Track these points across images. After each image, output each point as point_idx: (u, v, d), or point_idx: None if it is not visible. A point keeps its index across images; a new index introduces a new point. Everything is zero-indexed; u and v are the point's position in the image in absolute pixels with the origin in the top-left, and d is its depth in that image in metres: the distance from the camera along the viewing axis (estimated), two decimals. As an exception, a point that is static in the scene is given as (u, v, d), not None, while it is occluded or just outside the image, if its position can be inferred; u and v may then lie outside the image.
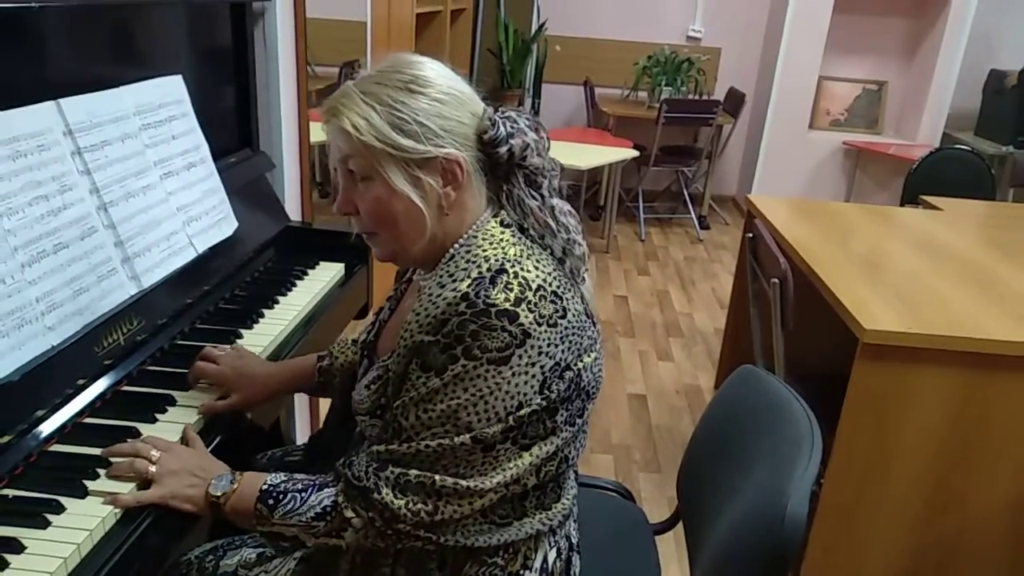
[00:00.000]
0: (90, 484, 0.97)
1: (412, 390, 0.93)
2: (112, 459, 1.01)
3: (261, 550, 1.13)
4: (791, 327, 1.82)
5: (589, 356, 0.99)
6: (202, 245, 1.39)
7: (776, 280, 1.79)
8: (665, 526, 1.44)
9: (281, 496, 0.98)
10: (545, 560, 1.08)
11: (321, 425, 1.33)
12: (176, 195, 1.36)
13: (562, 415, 0.96)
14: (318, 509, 0.96)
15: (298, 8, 1.85)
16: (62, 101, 1.13)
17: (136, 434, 1.08)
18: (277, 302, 1.54)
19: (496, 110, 0.99)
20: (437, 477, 0.92)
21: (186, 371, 1.23)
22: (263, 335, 1.41)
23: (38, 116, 1.09)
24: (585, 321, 0.99)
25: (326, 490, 0.98)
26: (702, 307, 3.80)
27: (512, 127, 0.97)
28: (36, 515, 0.91)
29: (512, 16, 4.90)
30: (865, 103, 5.26)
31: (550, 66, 5.01)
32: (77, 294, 1.09)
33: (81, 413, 1.10)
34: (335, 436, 1.28)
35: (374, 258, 1.88)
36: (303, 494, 0.98)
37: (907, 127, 5.15)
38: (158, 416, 1.13)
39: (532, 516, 1.03)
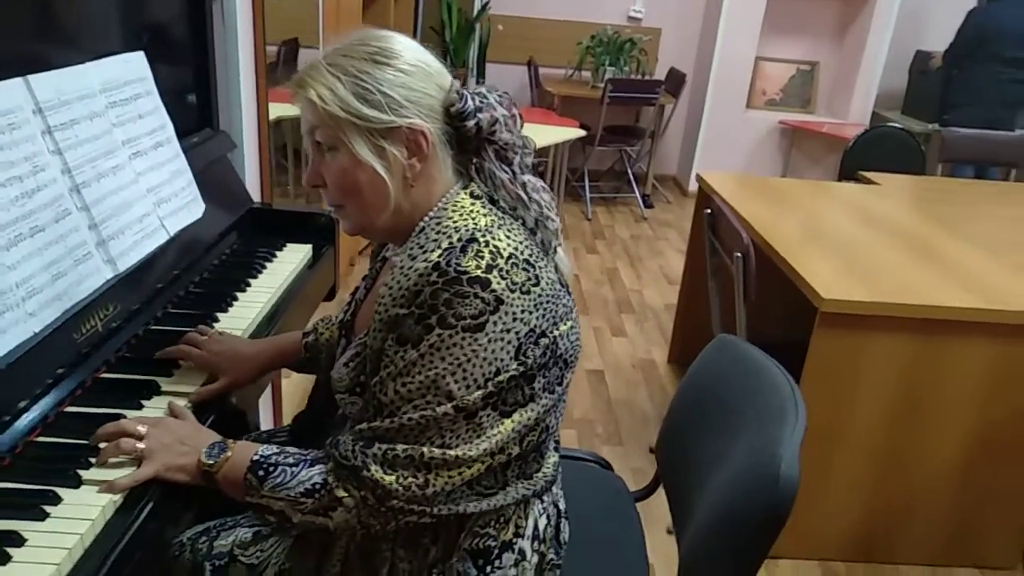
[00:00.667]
0: (84, 473, 0.94)
1: (390, 365, 0.93)
2: (100, 445, 0.99)
3: (256, 528, 1.12)
4: (753, 299, 1.88)
5: (565, 324, 1.00)
6: (173, 227, 1.35)
7: (739, 254, 1.85)
8: (644, 493, 1.48)
9: (271, 468, 0.97)
10: (536, 527, 1.10)
11: (305, 405, 1.32)
12: (145, 176, 1.31)
13: (539, 382, 0.97)
14: (307, 485, 0.96)
15: (256, -12, 1.80)
16: (31, 78, 1.08)
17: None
18: (249, 285, 1.51)
19: (463, 83, 0.99)
20: (424, 449, 0.92)
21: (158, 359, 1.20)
22: (239, 318, 1.39)
23: (7, 93, 1.04)
24: (559, 290, 1.00)
25: (317, 467, 0.97)
26: (651, 283, 3.88)
27: (481, 101, 0.97)
28: (33, 507, 0.88)
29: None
30: (799, 83, 5.42)
31: (493, 46, 5.00)
32: (55, 279, 1.05)
33: (62, 402, 1.07)
34: (320, 414, 1.28)
35: (341, 239, 1.88)
36: (293, 468, 0.97)
37: (838, 106, 5.33)
38: (144, 403, 1.10)
39: (514, 485, 1.04)
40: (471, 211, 0.97)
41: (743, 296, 1.89)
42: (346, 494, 0.94)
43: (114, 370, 1.17)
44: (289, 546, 1.09)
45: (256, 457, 0.98)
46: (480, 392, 0.91)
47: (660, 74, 5.22)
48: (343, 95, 0.92)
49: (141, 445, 0.97)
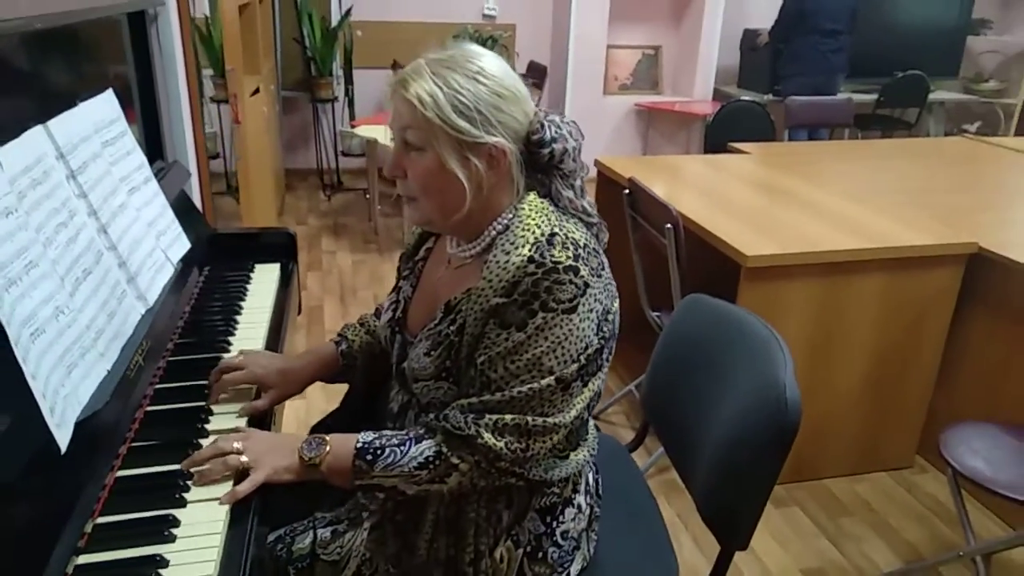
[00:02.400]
0: (187, 495, 0.99)
1: (494, 347, 1.04)
2: (195, 469, 1.03)
3: (333, 527, 1.19)
4: (686, 265, 2.11)
5: (616, 303, 1.15)
6: (175, 258, 1.37)
7: (670, 225, 2.06)
8: (634, 445, 1.66)
9: (379, 451, 1.06)
10: (588, 482, 1.25)
11: (340, 405, 1.40)
12: (143, 211, 1.32)
13: (605, 353, 1.12)
14: (420, 459, 1.06)
15: (183, 11, 1.80)
16: (50, 124, 1.09)
17: (198, 446, 1.09)
18: (242, 309, 1.54)
19: (545, 114, 1.10)
20: (528, 418, 1.05)
21: (196, 383, 1.24)
22: (250, 340, 1.43)
23: (34, 141, 1.04)
24: (611, 275, 1.16)
25: (425, 442, 1.07)
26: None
27: (556, 132, 1.09)
28: (159, 532, 0.92)
29: (312, 5, 4.82)
30: (645, 67, 5.82)
31: (356, 52, 5.00)
32: (110, 318, 1.07)
33: (124, 438, 1.09)
34: (355, 414, 1.36)
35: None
36: (401, 448, 1.07)
37: (683, 85, 5.78)
38: (206, 426, 1.14)
39: (579, 449, 1.19)
40: (543, 209, 1.09)
41: (677, 262, 2.11)
42: (460, 460, 1.05)
43: (155, 403, 1.19)
44: (366, 537, 1.17)
45: (360, 444, 1.06)
46: (575, 366, 1.04)
47: (521, 68, 5.43)
48: (442, 104, 1.01)
49: (245, 458, 1.02)
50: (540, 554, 1.17)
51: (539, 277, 1.02)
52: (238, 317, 1.50)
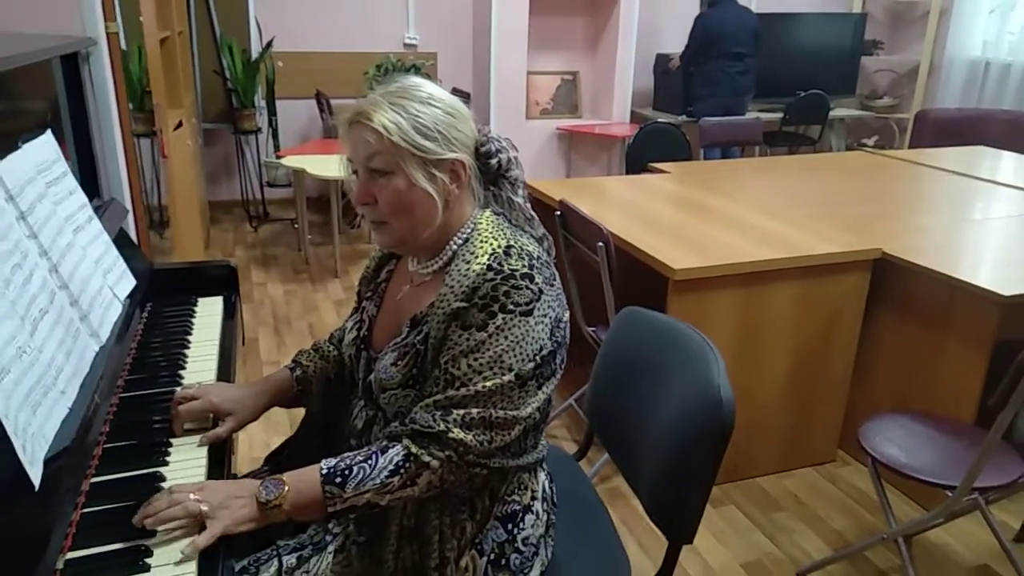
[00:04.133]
0: (152, 547, 0.98)
1: (456, 347, 1.11)
2: (147, 522, 1.01)
3: (297, 554, 1.21)
4: (618, 281, 2.21)
5: (567, 313, 1.23)
6: (122, 295, 1.38)
7: (601, 244, 2.16)
8: (580, 455, 1.74)
9: (347, 472, 1.10)
10: (544, 490, 1.32)
11: (295, 433, 1.42)
12: (88, 249, 1.33)
13: (558, 358, 1.20)
14: (391, 467, 1.10)
15: (113, 50, 1.80)
16: (0, 165, 1.10)
17: (162, 478, 1.11)
18: (189, 343, 1.55)
19: (486, 129, 1.19)
20: (492, 411, 1.11)
21: (154, 418, 1.25)
22: (201, 372, 1.44)
23: (-14, 185, 1.05)
24: (561, 286, 1.24)
25: (391, 450, 1.11)
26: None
27: (498, 144, 1.19)
28: (134, 563, 0.93)
29: (231, 37, 4.80)
30: (564, 92, 5.99)
31: (278, 83, 4.99)
32: (68, 356, 1.08)
33: (85, 474, 1.09)
34: (314, 440, 1.39)
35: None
36: (368, 462, 1.11)
37: (601, 109, 5.97)
38: (167, 459, 1.16)
39: (529, 452, 1.25)
40: (499, 225, 1.18)
41: (609, 278, 2.20)
42: (431, 458, 1.10)
43: (112, 439, 1.20)
44: (332, 560, 1.20)
45: (325, 471, 1.10)
46: (531, 364, 1.11)
47: (444, 95, 5.51)
48: (405, 128, 1.09)
49: (204, 507, 1.03)
50: (503, 561, 1.23)
51: (498, 282, 1.10)
52: (186, 351, 1.51)
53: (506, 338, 1.10)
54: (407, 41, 5.51)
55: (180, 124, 3.61)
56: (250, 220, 5.11)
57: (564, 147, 5.83)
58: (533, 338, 1.12)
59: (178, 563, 0.96)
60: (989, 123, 5.15)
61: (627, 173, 4.20)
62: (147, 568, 0.94)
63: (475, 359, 1.11)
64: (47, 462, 0.94)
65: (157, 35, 3.10)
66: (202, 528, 1.02)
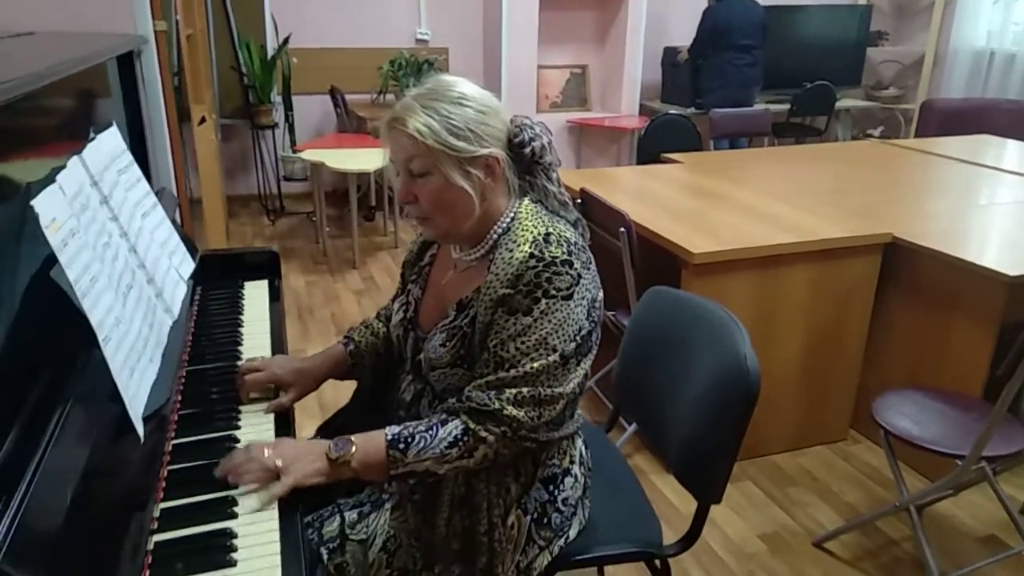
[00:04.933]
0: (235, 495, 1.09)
1: (504, 331, 1.19)
2: (227, 473, 1.13)
3: (358, 510, 1.31)
4: (639, 265, 2.30)
5: (601, 293, 1.32)
6: (185, 276, 1.47)
7: (623, 229, 2.25)
8: (608, 427, 1.83)
9: (410, 439, 1.19)
10: (581, 454, 1.41)
11: (348, 403, 1.52)
12: (155, 233, 1.42)
13: (594, 336, 1.29)
14: (449, 439, 1.19)
15: (160, 47, 1.90)
16: (84, 154, 1.19)
17: (235, 440, 1.21)
18: (243, 322, 1.64)
19: (519, 119, 1.27)
20: (541, 389, 1.20)
21: (219, 389, 1.35)
22: (258, 348, 1.53)
23: (74, 173, 1.14)
24: (596, 269, 1.32)
25: (451, 423, 1.20)
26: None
27: (531, 132, 1.26)
28: (223, 510, 1.03)
29: (248, 34, 4.89)
30: (574, 85, 6.07)
31: (294, 79, 5.08)
32: (151, 328, 1.18)
33: (166, 437, 1.19)
34: (366, 405, 1.49)
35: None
36: (429, 432, 1.20)
37: (610, 102, 6.05)
38: (239, 424, 1.25)
39: (568, 422, 1.35)
40: (537, 213, 1.26)
41: (631, 263, 2.30)
42: (488, 433, 1.19)
43: (186, 407, 1.29)
44: (389, 516, 1.30)
45: (390, 437, 1.19)
46: (573, 344, 1.20)
47: (456, 89, 5.60)
48: (438, 131, 1.16)
49: (278, 462, 1.13)
50: (545, 520, 1.32)
51: (540, 270, 1.18)
52: (241, 329, 1.60)
53: (550, 321, 1.18)
54: (419, 36, 5.60)
55: (203, 120, 3.71)
56: (268, 214, 5.21)
57: (574, 140, 5.91)
58: (574, 320, 1.20)
59: (258, 511, 1.05)
60: (994, 112, 5.23)
61: (639, 164, 4.28)
62: (234, 515, 1.03)
63: (522, 342, 1.19)
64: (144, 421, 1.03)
65: (184, 32, 3.19)
66: (277, 480, 1.12)
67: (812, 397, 2.57)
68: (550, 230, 1.23)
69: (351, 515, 1.30)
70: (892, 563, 2.09)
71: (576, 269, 1.21)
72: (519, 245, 1.21)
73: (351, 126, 5.21)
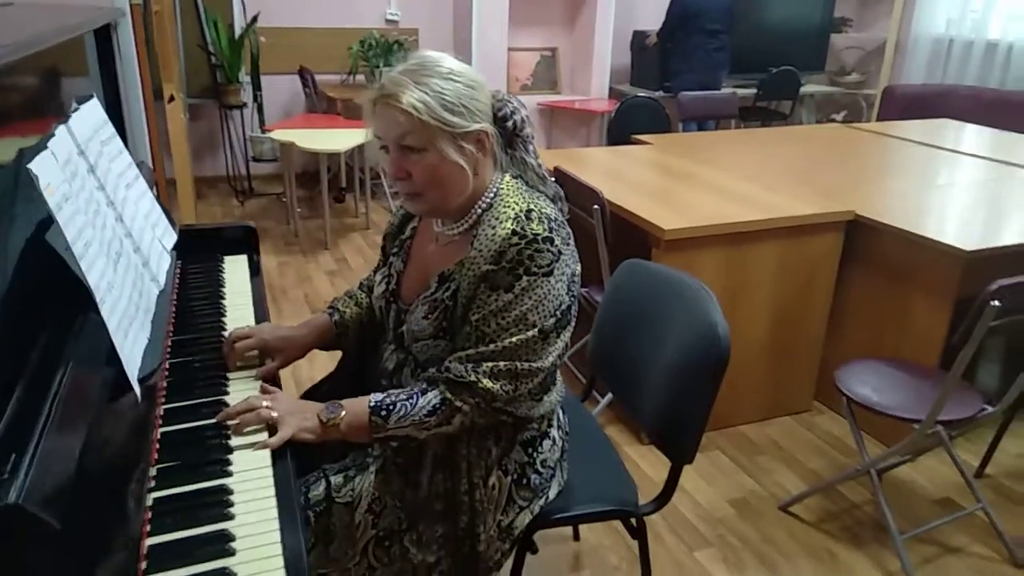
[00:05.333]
0: (229, 443, 1.13)
1: (485, 306, 1.23)
2: (229, 421, 1.17)
3: (343, 473, 1.34)
4: (611, 240, 2.35)
5: (579, 267, 1.36)
6: (168, 247, 1.49)
7: (597, 206, 2.30)
8: (584, 396, 1.89)
9: (391, 407, 1.23)
10: (559, 419, 1.46)
11: (332, 371, 1.55)
12: (138, 204, 1.43)
13: (572, 310, 1.33)
14: (428, 408, 1.23)
15: (136, 20, 1.89)
16: (70, 123, 1.20)
17: (225, 404, 1.23)
18: (225, 294, 1.66)
19: (499, 93, 1.30)
20: (518, 364, 1.24)
21: (206, 357, 1.37)
22: (242, 320, 1.55)
23: (65, 139, 1.15)
24: (574, 243, 1.36)
25: (430, 393, 1.25)
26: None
27: (511, 106, 1.30)
28: (218, 470, 1.06)
29: (216, 12, 4.83)
30: (544, 68, 6.10)
31: (262, 58, 5.03)
32: (141, 296, 1.19)
33: (155, 401, 1.21)
34: (351, 375, 1.52)
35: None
36: (410, 401, 1.24)
37: (580, 84, 6.09)
38: (227, 389, 1.28)
39: (551, 391, 1.39)
40: (518, 189, 1.29)
41: (604, 239, 2.35)
42: (463, 403, 1.23)
43: (174, 374, 1.32)
44: (374, 479, 1.34)
45: (373, 404, 1.23)
46: (553, 320, 1.24)
47: (426, 71, 5.59)
48: (433, 106, 1.17)
49: (274, 414, 1.17)
50: (525, 480, 1.37)
51: (522, 247, 1.22)
52: (223, 301, 1.62)
53: (530, 298, 1.22)
54: (389, 17, 5.57)
55: (172, 98, 3.67)
56: (236, 195, 5.17)
57: (545, 122, 5.94)
58: (553, 296, 1.24)
59: (251, 470, 1.09)
60: (952, 98, 5.38)
61: (609, 145, 4.33)
62: (229, 474, 1.06)
63: (503, 318, 1.23)
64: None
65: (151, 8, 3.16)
66: (272, 432, 1.16)
67: (778, 369, 2.65)
68: (531, 207, 1.26)
69: (336, 479, 1.34)
70: (854, 525, 2.19)
71: (557, 246, 1.24)
72: (501, 222, 1.24)
73: (321, 106, 5.18)
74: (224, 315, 1.56)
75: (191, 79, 5.00)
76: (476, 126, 1.23)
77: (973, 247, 2.20)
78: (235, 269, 1.81)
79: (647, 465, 2.39)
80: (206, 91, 5.03)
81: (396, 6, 5.57)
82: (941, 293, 2.31)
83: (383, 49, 5.06)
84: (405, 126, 1.20)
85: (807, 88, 6.12)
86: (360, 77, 5.26)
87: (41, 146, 1.03)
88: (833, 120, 6.43)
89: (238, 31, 4.93)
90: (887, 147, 3.68)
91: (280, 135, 4.28)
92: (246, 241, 1.95)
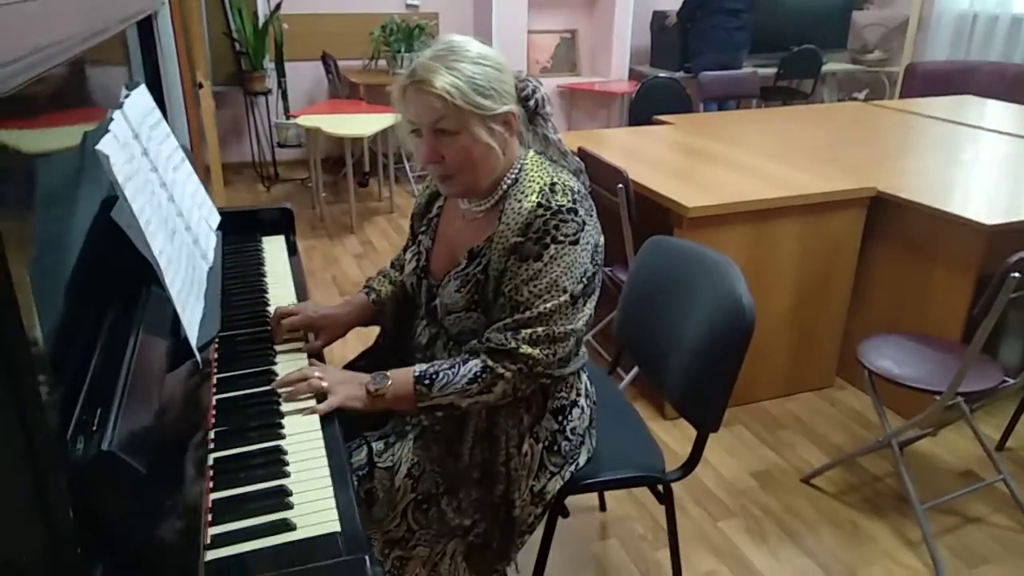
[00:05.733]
0: (283, 409, 1.20)
1: (517, 276, 1.29)
2: (282, 389, 1.24)
3: (384, 440, 1.41)
4: (636, 219, 2.40)
5: (602, 238, 1.41)
6: (214, 227, 1.56)
7: (621, 185, 2.35)
8: (611, 368, 1.94)
9: (434, 376, 1.30)
10: (587, 388, 1.52)
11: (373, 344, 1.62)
12: (186, 186, 1.50)
13: (597, 277, 1.38)
14: (470, 376, 1.30)
15: (174, 9, 1.95)
16: (124, 108, 1.26)
17: (275, 374, 1.30)
18: (265, 274, 1.73)
19: (519, 75, 1.35)
20: (554, 328, 1.30)
21: (252, 330, 1.44)
22: (284, 298, 1.62)
23: (122, 123, 1.22)
24: (597, 215, 1.42)
25: (471, 362, 1.31)
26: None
27: (533, 84, 1.35)
28: (272, 432, 1.13)
29: (240, 0, 4.89)
30: (564, 50, 6.11)
31: (285, 45, 5.10)
32: (194, 271, 1.26)
33: (208, 372, 1.28)
34: (390, 348, 1.59)
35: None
36: (452, 370, 1.30)
37: (600, 66, 6.10)
38: (276, 361, 1.35)
39: (576, 358, 1.45)
40: (541, 164, 1.35)
41: (628, 217, 2.39)
42: (505, 370, 1.29)
43: (224, 346, 1.39)
44: (413, 445, 1.40)
45: (417, 373, 1.29)
46: (581, 285, 1.30)
47: (447, 55, 5.63)
48: (466, 91, 1.23)
49: (325, 384, 1.24)
50: (555, 447, 1.43)
51: (547, 217, 1.27)
52: (265, 280, 1.69)
53: (559, 265, 1.28)
54: (409, 2, 5.61)
55: (200, 84, 3.74)
56: (262, 180, 5.26)
57: (565, 104, 5.97)
58: (580, 263, 1.30)
59: (302, 433, 1.16)
60: (976, 74, 5.33)
61: (631, 126, 4.36)
62: (282, 437, 1.13)
63: (535, 285, 1.28)
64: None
65: (182, -2, 3.22)
66: (321, 400, 1.23)
67: (800, 345, 2.69)
68: (555, 180, 1.32)
69: (378, 445, 1.41)
70: (875, 496, 2.23)
71: (581, 216, 1.30)
72: (527, 196, 1.30)
73: (343, 92, 5.25)
74: (266, 292, 1.63)
75: (216, 67, 5.07)
76: (504, 108, 1.29)
77: (995, 221, 2.22)
78: (274, 249, 1.88)
79: (671, 439, 2.44)
80: (231, 78, 5.11)
81: (416, -9, 5.61)
82: (963, 268, 2.34)
83: (404, 34, 5.10)
84: (440, 111, 1.25)
85: (829, 67, 6.08)
86: (382, 62, 5.31)
87: (103, 129, 1.10)
88: (855, 98, 6.39)
89: (262, 18, 4.99)
90: (909, 124, 3.68)
91: (306, 121, 4.35)
92: (282, 222, 2.01)
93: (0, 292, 0.56)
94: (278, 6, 4.89)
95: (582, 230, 1.30)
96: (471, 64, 1.26)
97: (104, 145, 1.02)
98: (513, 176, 1.35)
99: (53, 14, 0.79)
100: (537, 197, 1.29)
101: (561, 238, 1.28)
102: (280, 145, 5.30)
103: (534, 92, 1.36)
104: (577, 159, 1.45)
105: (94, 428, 0.75)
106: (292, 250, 1.91)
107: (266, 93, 5.08)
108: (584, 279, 1.32)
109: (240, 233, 1.93)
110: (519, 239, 1.28)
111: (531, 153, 1.37)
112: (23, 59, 0.64)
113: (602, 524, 2.12)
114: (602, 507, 2.17)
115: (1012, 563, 1.99)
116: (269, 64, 5.14)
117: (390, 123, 4.33)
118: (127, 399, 0.82)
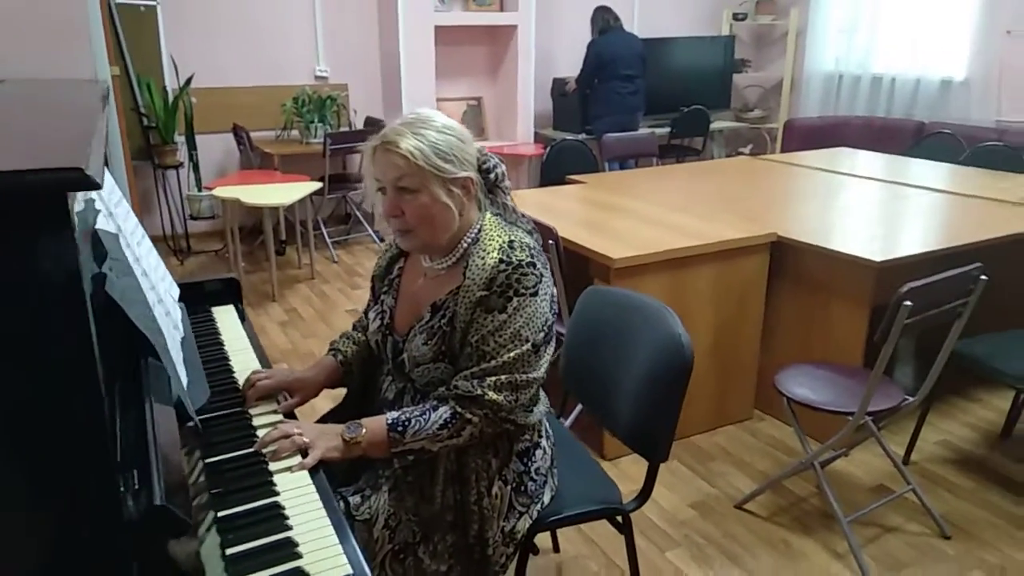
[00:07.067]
0: (271, 468, 1.25)
1: (483, 328, 1.40)
2: (266, 449, 1.29)
3: (360, 494, 1.47)
4: (567, 272, 2.56)
5: (555, 289, 1.55)
6: (176, 298, 1.59)
7: (552, 241, 2.50)
8: (559, 411, 2.06)
9: (407, 423, 1.38)
10: (547, 429, 1.63)
11: (337, 405, 1.68)
12: (148, 258, 1.54)
13: (555, 326, 1.51)
14: (440, 422, 1.38)
15: (116, 91, 2.00)
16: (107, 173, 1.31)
17: (255, 438, 1.35)
18: (223, 342, 1.77)
19: (481, 150, 1.49)
20: (517, 376, 1.41)
21: (222, 400, 1.49)
22: (247, 368, 1.66)
23: (99, 202, 1.27)
24: (550, 269, 1.55)
25: (440, 408, 1.40)
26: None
27: (494, 161, 1.50)
28: (265, 490, 1.18)
29: (148, 75, 4.88)
30: (471, 116, 6.35)
31: (195, 118, 5.10)
32: (173, 340, 1.31)
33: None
34: (355, 407, 1.65)
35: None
36: (423, 416, 1.39)
37: (506, 130, 6.37)
38: (253, 424, 1.40)
39: (537, 405, 1.56)
40: (499, 224, 1.48)
41: (560, 271, 2.55)
42: (472, 416, 1.38)
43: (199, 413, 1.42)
44: (388, 497, 1.47)
45: (390, 421, 1.37)
46: (541, 334, 1.42)
47: (359, 124, 5.77)
48: (428, 153, 1.36)
49: (305, 439, 1.30)
50: (523, 487, 1.53)
51: (509, 272, 1.40)
52: (225, 347, 1.73)
53: (521, 316, 1.40)
54: (318, 74, 5.73)
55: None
56: (175, 254, 5.17)
57: (474, 168, 6.17)
58: (540, 313, 1.43)
59: (294, 488, 1.21)
60: (846, 128, 5.90)
61: (543, 186, 4.58)
62: (277, 493, 1.18)
63: (499, 336, 1.40)
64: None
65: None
66: (303, 455, 1.29)
67: (721, 382, 2.89)
68: (512, 238, 1.45)
69: (354, 499, 1.46)
70: (803, 515, 2.42)
71: (539, 269, 1.43)
72: (489, 252, 1.42)
73: (256, 162, 5.27)
74: (228, 359, 1.67)
75: (130, 140, 5.00)
76: (464, 173, 1.42)
77: (884, 258, 2.49)
78: (225, 318, 1.91)
79: (613, 475, 2.56)
80: (140, 153, 5.04)
81: (324, 63, 5.74)
82: (858, 300, 2.60)
83: (316, 105, 5.21)
84: (403, 169, 1.37)
85: (716, 124, 6.58)
86: (295, 132, 5.38)
87: (89, 209, 1.15)
88: (741, 153, 6.91)
89: (171, 93, 4.99)
90: (793, 175, 4.04)
91: (223, 192, 4.35)
92: (228, 292, 2.05)
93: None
94: (188, 81, 4.90)
95: (540, 282, 1.43)
96: (436, 132, 1.39)
97: (102, 224, 1.07)
98: (473, 235, 1.47)
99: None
100: (498, 254, 1.41)
101: (523, 291, 1.40)
102: (193, 218, 5.24)
103: (495, 167, 1.50)
104: (529, 220, 1.58)
105: (136, 487, 0.80)
106: (243, 318, 1.95)
107: (177, 167, 5.05)
108: (544, 328, 1.44)
109: (190, 304, 1.95)
110: (484, 292, 1.40)
111: (488, 215, 1.50)
112: None
113: (558, 565, 2.21)
114: (555, 548, 2.26)
115: (929, 566, 2.19)
116: (179, 137, 5.11)
117: (309, 191, 4.38)
118: (156, 460, 0.87)
